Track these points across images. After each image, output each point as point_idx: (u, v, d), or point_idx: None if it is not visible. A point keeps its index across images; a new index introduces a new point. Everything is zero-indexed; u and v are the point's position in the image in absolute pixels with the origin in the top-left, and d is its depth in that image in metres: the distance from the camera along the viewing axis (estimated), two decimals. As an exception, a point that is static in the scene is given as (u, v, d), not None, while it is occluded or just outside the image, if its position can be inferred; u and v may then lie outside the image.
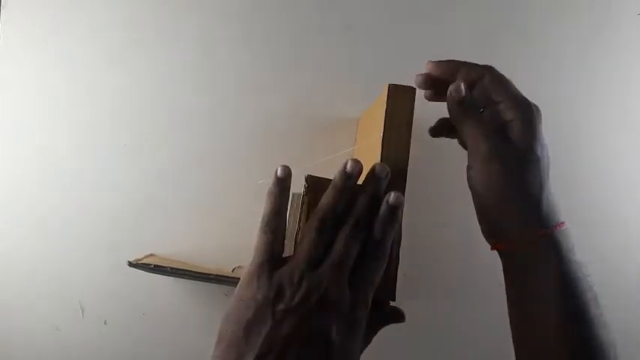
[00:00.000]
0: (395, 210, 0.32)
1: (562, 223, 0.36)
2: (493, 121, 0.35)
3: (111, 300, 0.48)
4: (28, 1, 0.49)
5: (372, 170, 0.32)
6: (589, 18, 0.51)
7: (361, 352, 0.32)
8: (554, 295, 0.35)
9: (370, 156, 0.35)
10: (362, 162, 0.33)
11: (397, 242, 0.33)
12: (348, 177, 0.32)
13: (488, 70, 0.37)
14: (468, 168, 0.36)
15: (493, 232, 0.37)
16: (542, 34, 0.51)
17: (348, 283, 0.31)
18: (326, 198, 0.32)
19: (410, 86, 0.34)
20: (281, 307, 0.30)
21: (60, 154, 0.49)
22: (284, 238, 0.34)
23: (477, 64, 0.37)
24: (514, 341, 0.37)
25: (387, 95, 0.34)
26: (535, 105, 0.36)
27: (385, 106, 0.34)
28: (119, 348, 0.48)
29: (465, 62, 0.37)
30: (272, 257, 0.32)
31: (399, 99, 0.34)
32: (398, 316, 0.36)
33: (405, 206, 0.33)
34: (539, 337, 0.36)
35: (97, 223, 0.48)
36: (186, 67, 0.49)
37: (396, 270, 0.33)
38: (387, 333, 0.47)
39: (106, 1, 0.49)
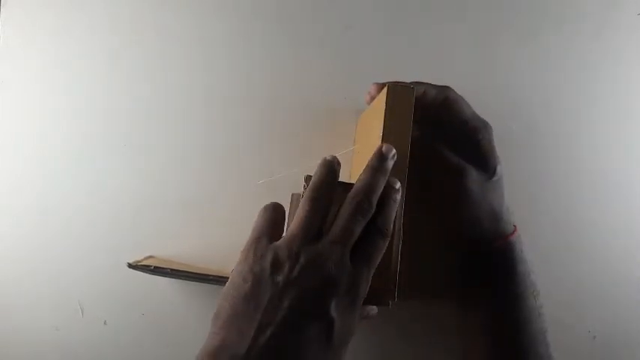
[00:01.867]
0: (395, 191, 0.33)
1: (515, 228, 0.41)
2: (457, 146, 0.38)
3: (111, 300, 0.48)
4: (28, 0, 0.49)
5: (379, 149, 0.33)
6: (589, 18, 0.51)
7: None
8: (503, 287, 0.39)
9: (370, 156, 0.35)
10: (362, 162, 0.34)
11: (397, 242, 0.33)
12: (330, 161, 0.33)
13: (449, 91, 0.39)
14: (439, 183, 0.38)
15: (455, 236, 0.41)
16: (542, 34, 0.51)
17: (349, 259, 0.30)
18: (315, 175, 0.33)
19: (410, 86, 0.34)
20: (280, 278, 0.29)
21: (59, 154, 0.49)
22: (284, 220, 0.34)
23: (436, 85, 0.39)
24: (459, 327, 0.42)
25: (387, 95, 0.34)
26: (488, 122, 0.40)
27: (385, 106, 0.34)
28: (119, 348, 0.48)
29: (425, 83, 0.38)
30: (269, 233, 0.32)
31: (399, 98, 0.34)
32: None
33: (405, 206, 0.34)
34: (483, 320, 0.40)
35: (96, 223, 0.48)
36: (185, 68, 0.49)
37: (397, 270, 0.33)
38: (387, 333, 0.47)
39: (106, 1, 0.49)
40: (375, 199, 0.32)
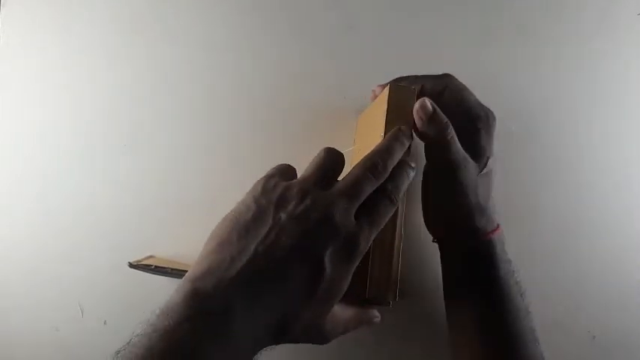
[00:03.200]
0: (410, 167, 0.33)
1: (498, 226, 0.39)
2: (457, 132, 0.36)
3: (111, 300, 0.48)
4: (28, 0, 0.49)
5: (397, 128, 0.33)
6: (588, 18, 0.51)
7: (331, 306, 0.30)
8: (487, 287, 0.38)
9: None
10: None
11: (399, 242, 0.33)
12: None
13: (450, 79, 0.38)
14: (427, 173, 0.37)
15: (438, 230, 0.40)
16: (542, 34, 0.51)
17: (354, 216, 0.30)
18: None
19: (410, 86, 0.34)
20: (282, 214, 0.29)
21: (60, 154, 0.49)
22: (296, 173, 0.34)
23: (436, 76, 0.39)
24: (449, 327, 0.41)
25: (389, 95, 0.34)
26: (492, 112, 0.39)
27: (386, 106, 0.34)
28: (119, 348, 0.48)
29: (424, 76, 0.38)
30: (282, 173, 0.32)
31: (400, 98, 0.34)
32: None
33: (405, 205, 0.34)
34: (470, 320, 0.39)
35: (96, 223, 0.48)
36: (187, 68, 0.49)
37: (398, 269, 0.33)
38: (386, 332, 0.47)
39: (107, 0, 0.49)
40: (390, 165, 0.31)
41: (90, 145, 0.49)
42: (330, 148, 0.33)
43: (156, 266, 0.42)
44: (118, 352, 0.27)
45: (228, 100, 0.49)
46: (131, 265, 0.42)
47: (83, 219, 0.48)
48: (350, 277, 0.29)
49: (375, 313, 0.34)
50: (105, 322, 0.48)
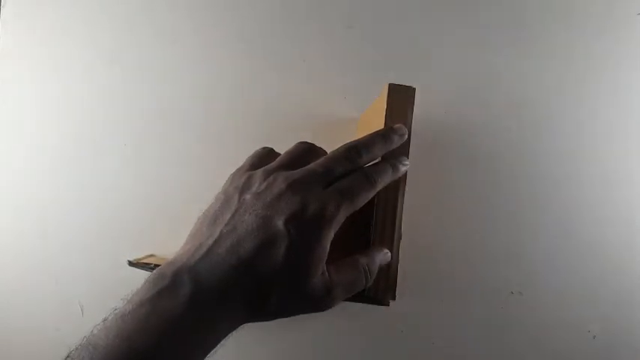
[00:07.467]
0: (400, 162, 0.32)
1: None
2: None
3: (111, 300, 0.47)
4: (27, 1, 0.49)
5: (390, 127, 0.33)
6: (588, 18, 0.51)
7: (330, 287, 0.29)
8: None
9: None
10: None
11: (397, 241, 0.33)
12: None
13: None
14: None
15: None
16: (541, 35, 0.51)
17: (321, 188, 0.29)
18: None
19: (410, 86, 0.34)
20: (247, 195, 0.29)
21: (59, 154, 0.49)
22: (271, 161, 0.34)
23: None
24: None
25: (388, 95, 0.34)
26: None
27: (385, 106, 0.34)
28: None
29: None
30: (253, 165, 0.33)
31: (400, 98, 0.34)
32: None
33: (405, 205, 0.34)
34: None
35: (97, 223, 0.48)
36: (185, 68, 0.49)
37: (397, 268, 0.33)
38: (386, 332, 0.47)
39: (106, 1, 0.49)
40: (366, 154, 0.31)
41: (90, 145, 0.49)
42: (303, 141, 0.33)
43: (155, 265, 0.42)
44: (84, 338, 0.28)
45: (228, 101, 0.49)
46: (131, 264, 0.42)
47: (83, 218, 0.48)
48: (325, 241, 0.28)
49: (386, 252, 0.32)
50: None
